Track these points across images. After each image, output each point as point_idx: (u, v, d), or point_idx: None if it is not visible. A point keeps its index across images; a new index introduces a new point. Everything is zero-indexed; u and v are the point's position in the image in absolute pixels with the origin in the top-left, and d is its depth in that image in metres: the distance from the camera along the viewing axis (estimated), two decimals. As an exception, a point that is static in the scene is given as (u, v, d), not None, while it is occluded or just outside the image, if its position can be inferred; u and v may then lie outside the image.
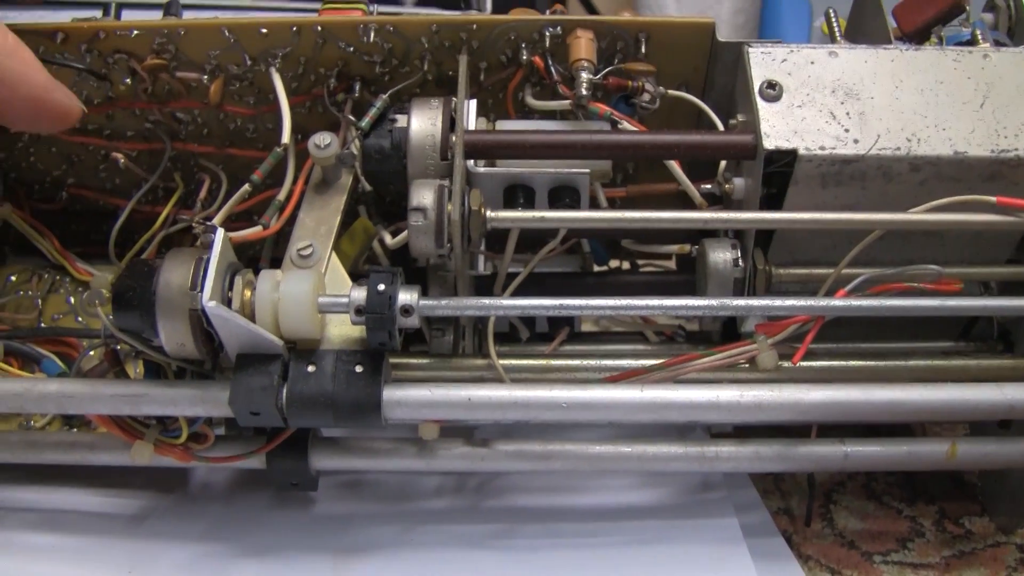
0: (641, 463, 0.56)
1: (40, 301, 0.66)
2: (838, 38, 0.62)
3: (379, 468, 0.57)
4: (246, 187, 0.58)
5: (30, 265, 0.68)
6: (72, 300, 0.66)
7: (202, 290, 0.49)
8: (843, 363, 0.59)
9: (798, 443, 0.57)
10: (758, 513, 0.61)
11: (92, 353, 0.59)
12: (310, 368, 0.51)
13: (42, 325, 0.66)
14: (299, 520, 0.59)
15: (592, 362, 0.58)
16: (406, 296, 0.50)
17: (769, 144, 0.54)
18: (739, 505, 0.61)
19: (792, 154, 0.54)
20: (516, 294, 0.58)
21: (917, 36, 0.63)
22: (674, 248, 0.62)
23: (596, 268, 0.66)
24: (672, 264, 0.71)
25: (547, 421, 0.53)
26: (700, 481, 0.62)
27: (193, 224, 0.57)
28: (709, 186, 0.59)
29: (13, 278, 0.67)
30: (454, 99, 0.57)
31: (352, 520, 0.58)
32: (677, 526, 0.58)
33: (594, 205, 0.60)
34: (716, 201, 0.60)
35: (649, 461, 0.56)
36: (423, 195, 0.52)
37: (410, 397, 0.51)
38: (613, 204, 0.61)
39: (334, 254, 0.55)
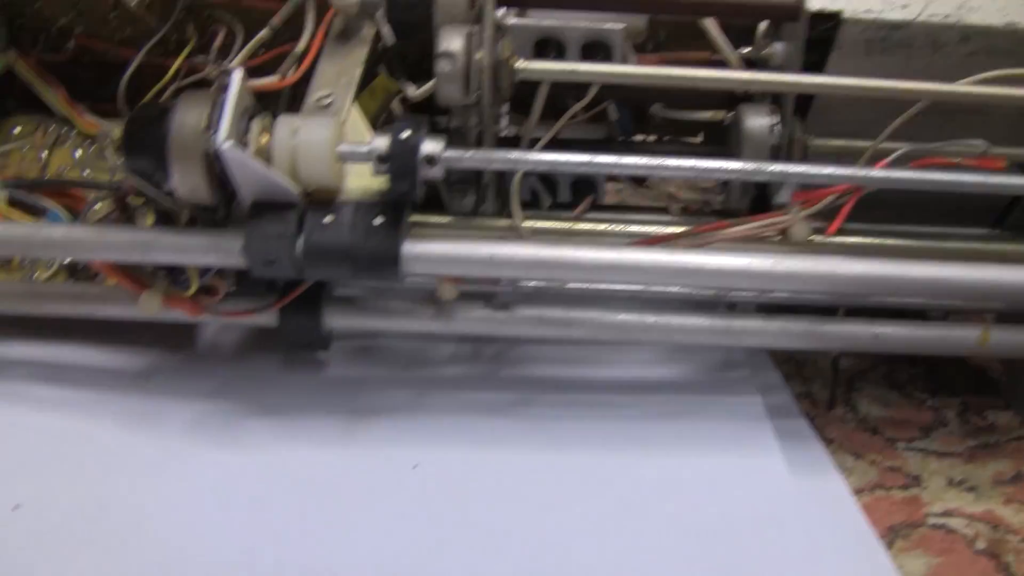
0: (665, 334, 0.55)
1: (45, 154, 0.64)
2: None
3: (394, 329, 0.55)
4: (264, 32, 0.56)
5: (35, 118, 0.65)
6: (78, 153, 0.64)
7: (217, 131, 0.47)
8: (878, 241, 0.57)
9: (827, 321, 0.55)
10: (781, 394, 0.60)
11: (98, 206, 0.57)
12: (327, 219, 0.49)
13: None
14: (310, 382, 0.57)
15: (618, 227, 0.56)
16: (431, 145, 0.48)
17: (814, 4, 0.52)
18: (761, 386, 0.59)
19: (836, 17, 0.52)
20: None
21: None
22: (707, 114, 0.59)
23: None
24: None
25: (570, 284, 0.51)
26: (722, 360, 0.60)
27: (208, 69, 0.55)
28: (747, 50, 0.57)
29: (17, 130, 0.64)
30: (485, -56, 0.54)
31: (364, 384, 0.57)
32: (700, 402, 0.56)
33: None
34: (753, 68, 0.57)
35: (673, 332, 0.54)
36: (452, 40, 0.50)
37: (430, 252, 0.50)
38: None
39: (355, 105, 0.53)
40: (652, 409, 0.55)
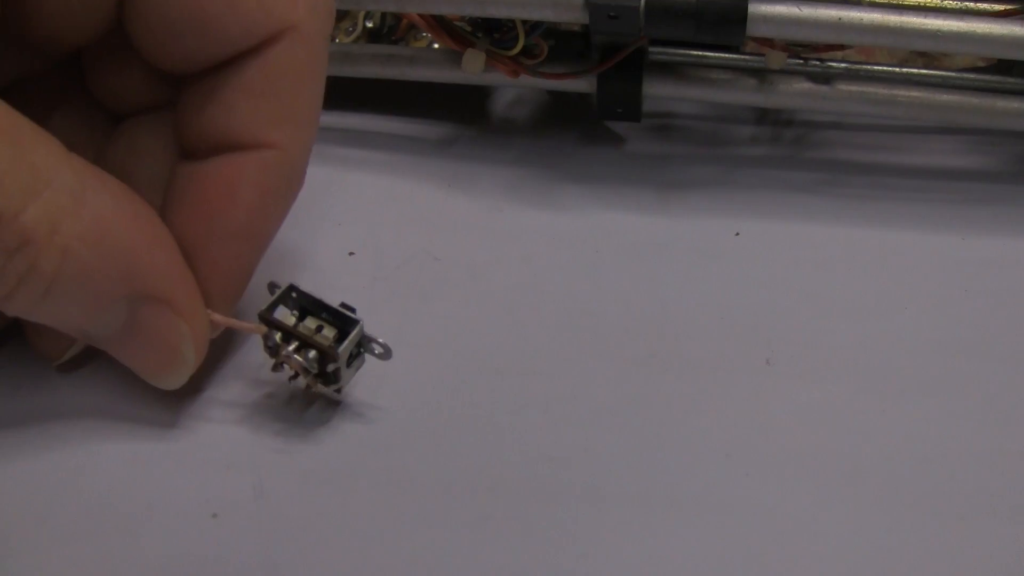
0: (990, 119, 0.53)
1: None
2: None
3: (714, 99, 0.55)
4: None
5: None
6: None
7: None
8: None
9: None
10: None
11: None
12: (672, -25, 0.49)
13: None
14: (612, 156, 0.57)
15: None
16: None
17: None
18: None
19: None
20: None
21: None
22: None
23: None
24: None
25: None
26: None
27: None
28: None
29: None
30: None
31: (669, 159, 0.57)
32: (1012, 191, 0.55)
33: None
34: None
35: (998, 117, 0.53)
36: None
37: (777, 13, 0.49)
38: None
39: None
40: (962, 195, 0.54)
